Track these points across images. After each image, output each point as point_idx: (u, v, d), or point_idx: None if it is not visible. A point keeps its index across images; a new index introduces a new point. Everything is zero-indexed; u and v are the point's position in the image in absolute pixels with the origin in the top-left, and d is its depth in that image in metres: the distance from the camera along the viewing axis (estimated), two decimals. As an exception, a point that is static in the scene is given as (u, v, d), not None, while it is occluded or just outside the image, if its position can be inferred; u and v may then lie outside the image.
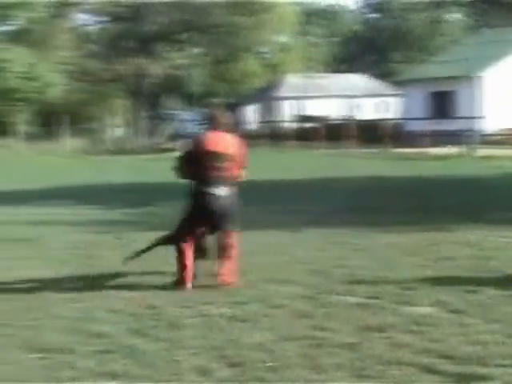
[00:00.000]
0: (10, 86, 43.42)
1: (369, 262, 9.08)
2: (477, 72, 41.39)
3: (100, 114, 55.41)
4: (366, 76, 63.66)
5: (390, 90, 57.48)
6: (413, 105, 44.26)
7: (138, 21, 58.41)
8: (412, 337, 6.00)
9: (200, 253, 8.12)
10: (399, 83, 49.87)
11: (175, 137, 50.98)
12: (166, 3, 55.64)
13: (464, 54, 43.63)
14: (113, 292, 7.76)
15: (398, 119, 47.18)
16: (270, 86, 60.20)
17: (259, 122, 53.99)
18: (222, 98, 58.67)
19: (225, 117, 8.25)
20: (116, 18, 60.20)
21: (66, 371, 5.44)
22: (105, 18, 61.82)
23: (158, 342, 6.05)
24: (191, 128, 49.39)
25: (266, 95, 58.23)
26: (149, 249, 8.45)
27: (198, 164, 7.84)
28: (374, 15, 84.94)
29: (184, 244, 7.91)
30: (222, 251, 7.99)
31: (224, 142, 7.93)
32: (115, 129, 59.82)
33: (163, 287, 7.85)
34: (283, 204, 15.74)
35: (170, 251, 8.19)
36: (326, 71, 69.98)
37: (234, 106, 52.89)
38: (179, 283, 7.85)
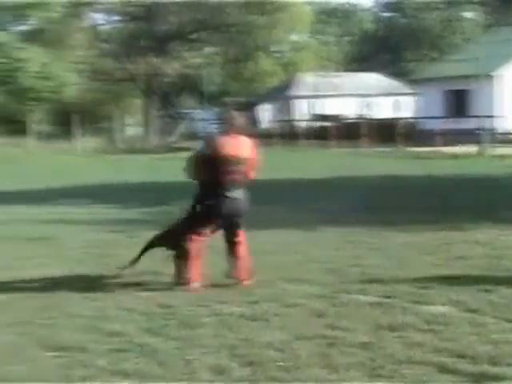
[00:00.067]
0: (26, 86, 43.51)
1: (384, 261, 9.08)
2: (494, 70, 41.17)
3: (115, 113, 55.52)
4: (380, 75, 63.50)
5: (404, 88, 57.34)
6: (428, 103, 44.09)
7: (152, 20, 58.51)
8: (425, 336, 6.00)
9: (173, 246, 8.08)
10: (414, 82, 49.69)
11: (190, 136, 51.01)
12: (180, 2, 55.64)
13: (480, 52, 43.35)
14: (128, 291, 7.80)
15: (413, 118, 47.08)
16: (285, 85, 60.10)
17: (274, 121, 53.92)
18: (237, 97, 58.66)
19: (240, 119, 8.23)
20: (131, 17, 60.33)
21: (79, 370, 5.49)
22: (119, 18, 61.97)
23: (170, 341, 6.08)
24: (206, 127, 49.37)
25: (280, 94, 58.14)
26: (143, 252, 8.43)
27: (213, 167, 7.84)
28: (389, 14, 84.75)
29: (193, 244, 7.91)
30: (232, 249, 8.05)
31: (240, 146, 7.95)
32: (130, 128, 59.97)
33: (176, 286, 7.85)
34: (299, 203, 15.73)
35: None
36: (341, 70, 69.88)
37: (248, 105, 52.86)
38: (186, 283, 7.83)
